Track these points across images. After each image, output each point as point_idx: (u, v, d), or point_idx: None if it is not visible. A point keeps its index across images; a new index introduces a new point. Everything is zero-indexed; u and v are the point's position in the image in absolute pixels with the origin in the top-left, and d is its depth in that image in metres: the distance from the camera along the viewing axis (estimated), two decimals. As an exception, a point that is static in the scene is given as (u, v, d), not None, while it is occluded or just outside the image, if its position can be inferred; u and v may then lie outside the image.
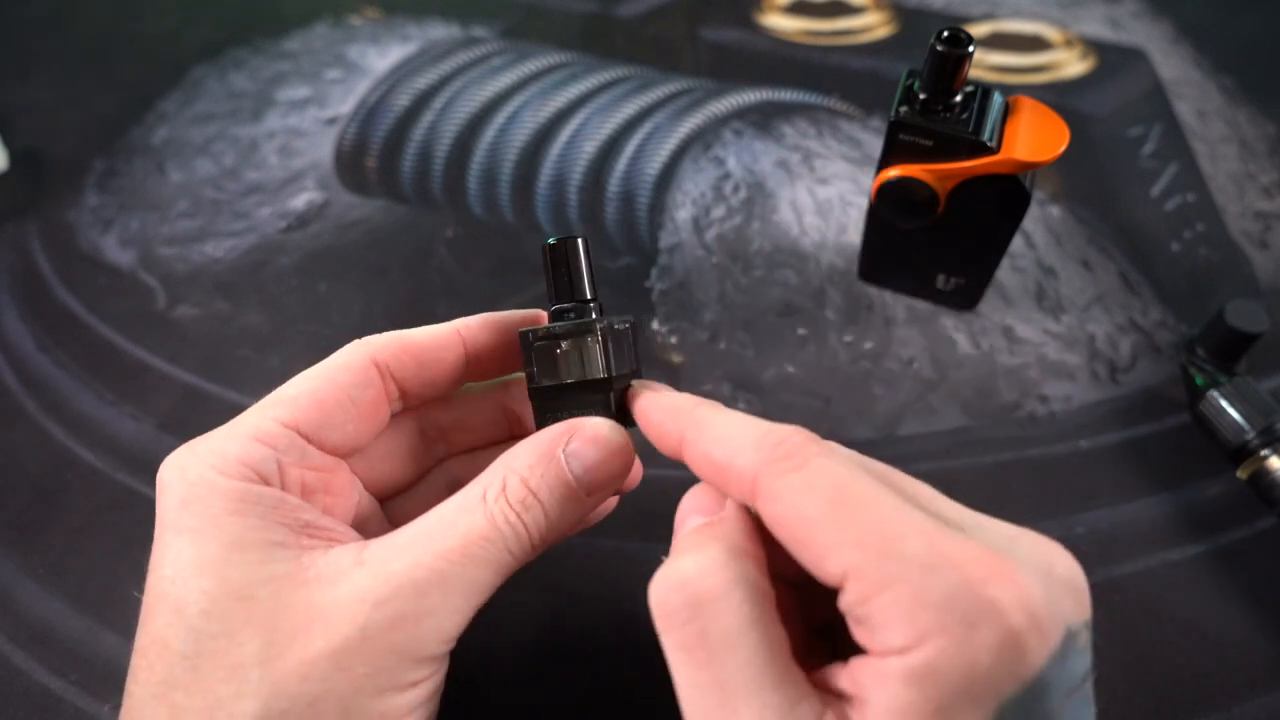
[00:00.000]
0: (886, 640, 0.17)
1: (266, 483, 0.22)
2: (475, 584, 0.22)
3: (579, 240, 0.25)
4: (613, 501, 0.29)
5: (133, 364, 0.40)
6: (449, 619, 0.21)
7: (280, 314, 0.42)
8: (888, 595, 0.17)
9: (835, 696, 0.19)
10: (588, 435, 0.23)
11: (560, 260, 0.25)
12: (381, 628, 0.20)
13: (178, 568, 0.21)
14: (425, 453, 0.28)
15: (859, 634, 0.18)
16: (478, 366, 0.26)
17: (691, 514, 0.22)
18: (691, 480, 0.23)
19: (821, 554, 0.18)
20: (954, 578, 0.17)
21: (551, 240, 0.25)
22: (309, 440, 0.24)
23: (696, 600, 0.19)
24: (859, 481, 0.19)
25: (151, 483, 0.35)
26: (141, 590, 0.22)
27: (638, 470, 0.28)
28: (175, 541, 0.21)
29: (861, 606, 0.18)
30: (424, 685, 0.22)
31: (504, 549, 0.22)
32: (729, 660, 0.18)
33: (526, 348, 0.25)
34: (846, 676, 0.19)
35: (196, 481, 0.22)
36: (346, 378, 0.24)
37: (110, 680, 0.31)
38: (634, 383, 0.25)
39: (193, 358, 0.40)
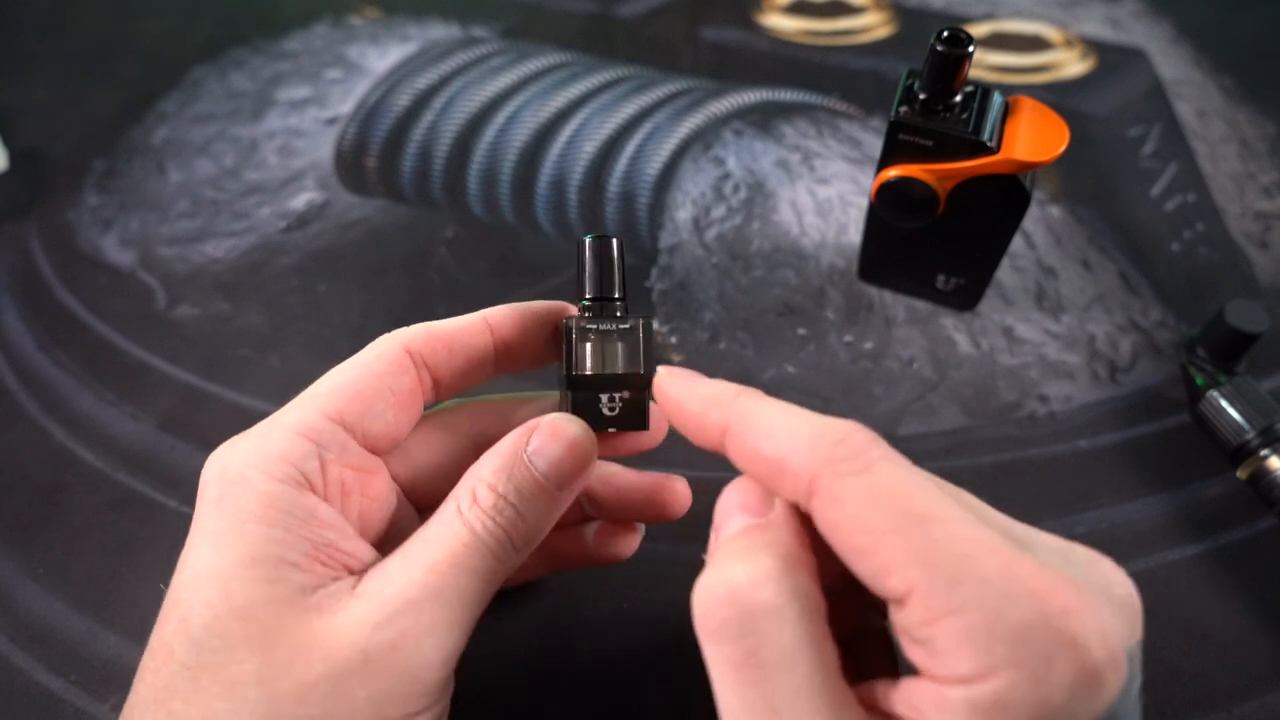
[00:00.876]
0: (951, 666, 0.17)
1: (309, 481, 0.22)
2: (468, 594, 0.22)
3: (613, 240, 0.26)
4: (635, 543, 0.29)
5: (133, 364, 0.40)
6: (448, 634, 0.21)
7: (280, 314, 0.42)
8: (957, 621, 0.16)
9: (885, 718, 0.18)
10: (546, 432, 0.23)
11: (598, 257, 0.25)
12: (383, 649, 0.20)
13: (194, 573, 0.21)
14: None
15: (915, 654, 0.17)
16: (506, 356, 0.26)
17: (736, 512, 0.21)
18: (689, 478, 0.23)
19: (884, 568, 0.17)
20: (1030, 607, 0.16)
21: (589, 237, 0.26)
22: (351, 433, 0.24)
23: (749, 615, 0.18)
24: (925, 492, 0.18)
25: (151, 483, 0.36)
26: (165, 583, 0.22)
27: (661, 429, 0.27)
28: (200, 545, 0.21)
29: (924, 628, 0.17)
30: (423, 716, 0.22)
31: (489, 554, 0.22)
32: (783, 680, 0.17)
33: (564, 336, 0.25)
34: (900, 699, 0.18)
35: (235, 480, 0.22)
36: (382, 367, 0.24)
37: (110, 680, 0.31)
38: (662, 369, 0.24)
39: (193, 358, 0.40)
